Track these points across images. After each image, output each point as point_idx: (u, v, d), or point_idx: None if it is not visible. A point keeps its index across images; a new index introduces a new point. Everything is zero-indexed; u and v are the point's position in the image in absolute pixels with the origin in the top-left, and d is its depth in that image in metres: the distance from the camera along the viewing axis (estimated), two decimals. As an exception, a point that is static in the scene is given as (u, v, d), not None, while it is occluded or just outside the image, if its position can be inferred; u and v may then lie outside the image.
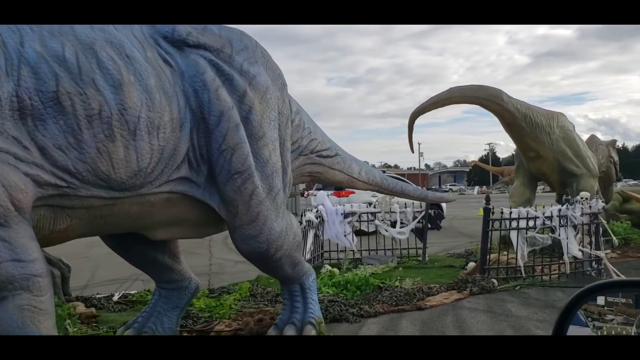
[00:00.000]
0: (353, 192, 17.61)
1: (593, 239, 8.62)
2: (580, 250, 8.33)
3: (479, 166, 52.87)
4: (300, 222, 8.58)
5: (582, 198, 8.87)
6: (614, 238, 9.06)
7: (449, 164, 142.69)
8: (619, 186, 68.25)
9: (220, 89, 4.01)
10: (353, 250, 10.17)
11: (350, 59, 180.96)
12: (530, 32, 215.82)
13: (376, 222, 10.17)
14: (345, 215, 10.18)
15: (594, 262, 8.47)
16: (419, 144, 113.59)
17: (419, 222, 10.28)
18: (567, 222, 8.16)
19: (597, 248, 8.55)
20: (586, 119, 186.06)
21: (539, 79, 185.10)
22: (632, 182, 79.64)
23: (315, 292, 5.04)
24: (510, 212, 7.91)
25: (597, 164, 13.05)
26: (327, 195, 18.42)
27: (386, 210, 10.37)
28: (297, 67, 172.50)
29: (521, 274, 7.91)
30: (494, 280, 7.67)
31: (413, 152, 11.44)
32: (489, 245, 7.90)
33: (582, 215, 8.30)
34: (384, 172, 19.38)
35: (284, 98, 4.66)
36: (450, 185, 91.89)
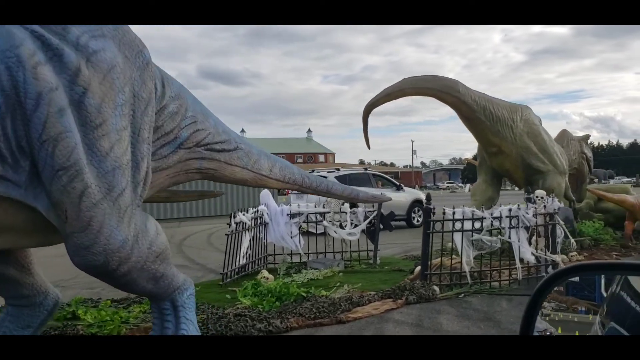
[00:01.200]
0: None
1: (550, 242, 7.93)
2: (533, 254, 7.65)
3: (471, 163, 52.40)
4: (229, 225, 7.88)
5: (537, 197, 8.18)
6: (572, 241, 8.35)
7: (445, 161, 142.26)
8: (611, 183, 68.04)
9: (40, 66, 3.28)
10: (300, 254, 9.47)
11: (346, 56, 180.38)
12: (526, 30, 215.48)
13: (324, 222, 9.46)
14: (292, 215, 9.48)
15: (550, 267, 7.77)
16: (412, 141, 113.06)
17: (370, 222, 9.58)
18: (518, 223, 7.47)
19: (553, 251, 7.86)
20: (582, 117, 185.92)
21: (534, 77, 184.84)
22: (625, 179, 79.23)
23: (192, 310, 4.31)
24: (454, 213, 7.20)
25: (568, 161, 12.38)
26: (307, 195, 18.00)
27: (336, 210, 9.66)
28: (293, 65, 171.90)
29: (467, 280, 7.22)
30: (436, 288, 6.98)
31: (369, 148, 10.74)
32: (429, 248, 7.20)
33: (535, 215, 7.61)
34: (364, 169, 18.83)
35: (145, 79, 3.90)
36: (447, 182, 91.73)
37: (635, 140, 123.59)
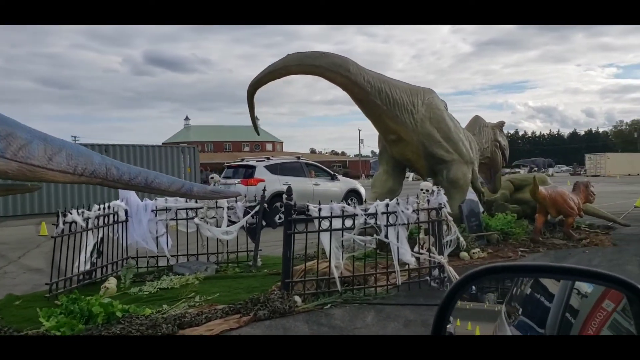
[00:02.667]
0: (262, 180, 15.69)
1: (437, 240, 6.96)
2: (414, 255, 6.67)
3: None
4: (56, 225, 6.55)
5: (422, 190, 7.20)
6: (461, 239, 7.41)
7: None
8: (550, 172, 68.87)
9: None
10: (167, 257, 8.24)
11: (296, 44, 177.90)
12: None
13: (196, 220, 8.23)
14: (158, 211, 8.23)
15: (436, 270, 6.81)
16: (359, 130, 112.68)
17: (252, 218, 8.42)
18: (396, 220, 6.45)
19: (440, 251, 6.90)
20: (526, 107, 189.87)
21: (481, 67, 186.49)
22: (564, 167, 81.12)
23: None
24: (319, 210, 6.11)
25: (479, 149, 11.52)
26: (235, 184, 16.72)
27: (210, 204, 8.43)
28: (242, 52, 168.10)
29: (337, 287, 6.17)
30: (297, 298, 5.90)
31: (258, 133, 9.55)
32: (291, 252, 6.09)
33: (416, 210, 6.62)
34: (297, 157, 17.69)
35: None
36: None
37: (575, 129, 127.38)
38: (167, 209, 8.33)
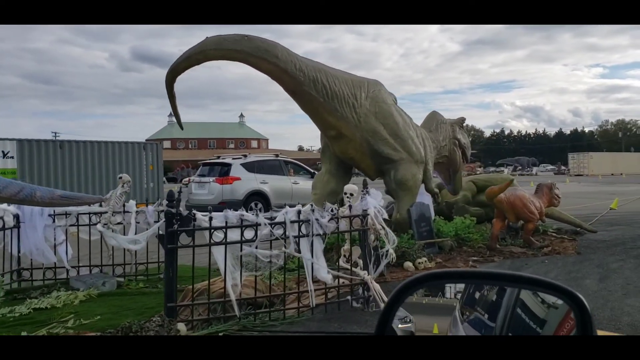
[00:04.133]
0: (238, 179, 14.71)
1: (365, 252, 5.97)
2: (332, 271, 5.68)
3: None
4: None
5: (345, 194, 6.21)
6: (391, 251, 6.41)
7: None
8: (534, 171, 68.42)
9: None
10: (67, 268, 7.21)
11: (285, 41, 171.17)
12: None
13: (99, 227, 7.16)
14: (56, 216, 7.19)
15: (361, 289, 5.83)
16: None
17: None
18: (311, 230, 5.46)
19: (365, 266, 5.91)
20: (513, 106, 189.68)
21: (469, 67, 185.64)
22: (549, 167, 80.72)
23: None
24: (210, 218, 5.09)
25: (436, 147, 10.56)
26: (210, 182, 15.78)
27: (116, 208, 7.39)
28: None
29: (235, 312, 5.16)
30: (181, 326, 4.89)
31: (182, 127, 8.52)
32: (174, 270, 5.06)
33: (335, 218, 5.63)
34: (276, 155, 16.89)
35: None
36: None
37: (561, 129, 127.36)
38: (66, 214, 7.28)
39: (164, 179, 58.06)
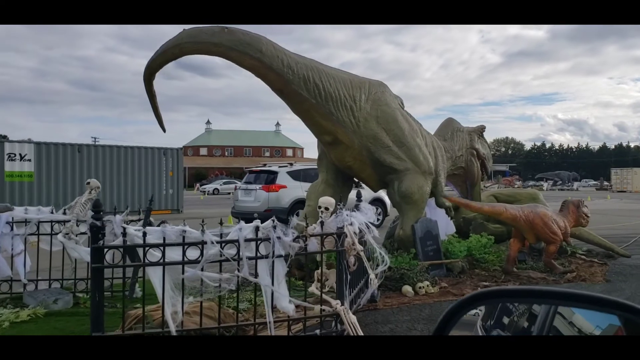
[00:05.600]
0: (284, 187, 14.40)
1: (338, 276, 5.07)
2: (296, 300, 4.80)
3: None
4: None
5: (319, 208, 5.33)
6: (372, 275, 5.48)
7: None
8: (575, 186, 66.05)
9: None
10: (23, 282, 6.55)
11: (324, 51, 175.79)
12: (502, 32, 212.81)
13: (59, 237, 6.50)
14: (14, 224, 6.55)
15: (334, 322, 4.94)
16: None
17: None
18: (272, 251, 4.60)
19: (340, 292, 5.01)
20: (555, 119, 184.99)
21: (510, 79, 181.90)
22: (592, 182, 77.71)
23: None
24: (144, 234, 4.28)
25: (451, 157, 9.58)
26: (256, 190, 15.49)
27: (81, 217, 6.71)
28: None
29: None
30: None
31: (164, 130, 7.78)
32: (100, 294, 4.27)
33: (303, 237, 4.75)
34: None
35: None
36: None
37: (605, 143, 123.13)
38: (26, 222, 6.63)
39: (198, 185, 58.09)
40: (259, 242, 4.60)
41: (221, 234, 4.49)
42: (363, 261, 5.47)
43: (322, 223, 4.92)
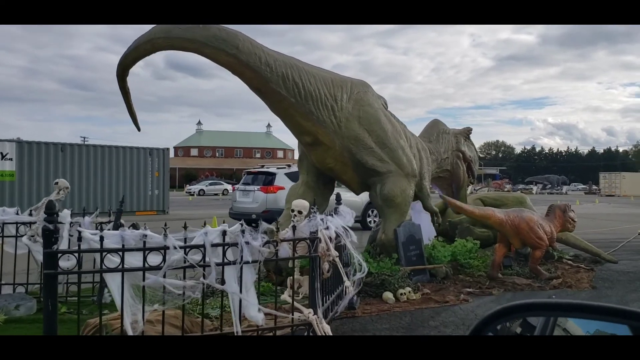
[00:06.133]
0: (282, 188, 14.22)
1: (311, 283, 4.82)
2: (266, 309, 4.55)
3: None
4: None
5: (292, 212, 5.09)
6: (347, 283, 5.24)
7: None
8: (564, 190, 66.28)
9: None
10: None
11: (317, 54, 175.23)
12: (494, 36, 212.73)
13: (24, 239, 6.22)
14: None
15: (307, 330, 4.69)
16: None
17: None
18: (241, 256, 4.34)
19: (312, 300, 4.76)
20: (545, 123, 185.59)
21: (501, 82, 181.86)
22: (580, 186, 77.99)
23: None
24: (101, 238, 4.01)
25: (436, 159, 9.37)
26: (254, 191, 15.38)
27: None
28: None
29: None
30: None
31: (139, 129, 7.50)
32: (54, 303, 3.99)
33: (273, 242, 4.50)
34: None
35: None
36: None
37: (594, 147, 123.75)
38: (-11, 223, 6.34)
39: (187, 185, 57.62)
40: (226, 247, 4.34)
41: (185, 239, 4.23)
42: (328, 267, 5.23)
43: (294, 227, 4.66)
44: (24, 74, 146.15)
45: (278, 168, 16.16)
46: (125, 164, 22.85)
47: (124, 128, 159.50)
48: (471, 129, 10.16)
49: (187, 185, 58.41)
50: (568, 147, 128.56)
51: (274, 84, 6.70)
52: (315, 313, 4.66)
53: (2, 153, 19.87)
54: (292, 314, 4.64)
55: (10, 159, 19.97)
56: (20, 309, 5.84)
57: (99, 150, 22.44)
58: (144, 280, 4.13)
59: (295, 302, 4.81)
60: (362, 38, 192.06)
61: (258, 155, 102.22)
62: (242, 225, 4.40)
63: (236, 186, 18.05)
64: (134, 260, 4.14)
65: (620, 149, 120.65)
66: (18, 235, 6.38)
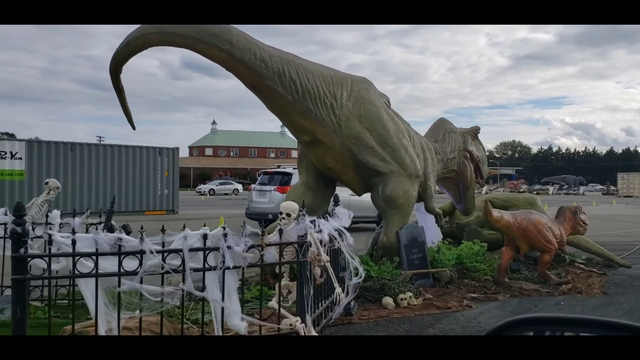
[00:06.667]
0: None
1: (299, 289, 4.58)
2: (250, 317, 4.33)
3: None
4: None
5: (280, 214, 4.85)
6: (338, 289, 4.99)
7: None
8: (581, 191, 65.28)
9: None
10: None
11: (331, 53, 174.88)
12: (510, 35, 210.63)
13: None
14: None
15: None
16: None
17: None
18: (221, 261, 4.12)
19: (301, 307, 4.52)
20: (563, 123, 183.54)
21: (518, 82, 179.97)
22: (598, 187, 76.82)
23: None
24: (73, 242, 3.81)
25: (442, 159, 9.08)
26: (271, 191, 15.33)
27: (37, 219, 6.27)
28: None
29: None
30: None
31: (134, 127, 7.31)
32: (24, 309, 3.80)
33: (258, 247, 4.27)
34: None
35: None
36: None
37: (612, 147, 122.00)
38: (-22, 224, 6.19)
39: (200, 185, 57.73)
40: (206, 252, 4.12)
41: (163, 243, 4.01)
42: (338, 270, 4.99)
43: (280, 231, 4.42)
44: (42, 75, 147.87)
45: (294, 168, 16.02)
46: (135, 163, 22.81)
47: (139, 128, 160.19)
48: (479, 128, 9.84)
49: (201, 184, 58.50)
50: (586, 147, 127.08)
51: (270, 81, 6.46)
52: (304, 321, 4.41)
53: (11, 152, 19.91)
54: (279, 322, 4.40)
55: (20, 158, 20.01)
56: (5, 312, 5.66)
57: (108, 149, 22.42)
58: (119, 286, 3.91)
59: (283, 310, 4.57)
60: (377, 37, 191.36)
61: (272, 155, 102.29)
62: (224, 228, 4.18)
63: (252, 186, 18.02)
64: (109, 265, 3.94)
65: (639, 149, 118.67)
66: (6, 236, 6.20)
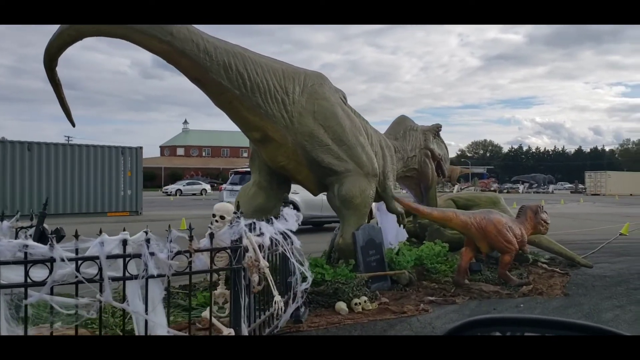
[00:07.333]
0: None
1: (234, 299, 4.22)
2: (175, 331, 3.95)
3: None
4: None
5: (214, 217, 4.48)
6: (277, 297, 4.64)
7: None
8: (550, 189, 66.24)
9: None
10: None
11: (305, 53, 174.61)
12: (481, 35, 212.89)
13: None
14: None
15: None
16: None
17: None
18: (143, 269, 3.73)
19: (235, 317, 4.15)
20: (533, 123, 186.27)
21: (489, 82, 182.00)
22: (567, 185, 78.07)
23: None
24: (-29, 250, 3.38)
25: (402, 157, 8.80)
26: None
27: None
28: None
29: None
30: None
31: (73, 124, 6.83)
32: None
33: (186, 253, 3.90)
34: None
35: None
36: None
37: (581, 147, 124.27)
38: None
39: (168, 186, 56.80)
40: (127, 259, 3.73)
41: (77, 249, 3.61)
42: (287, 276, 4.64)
43: (211, 235, 4.05)
44: (10, 73, 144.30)
45: None
46: (96, 163, 22.13)
47: (109, 127, 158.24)
48: (440, 126, 9.60)
49: (171, 184, 57.60)
50: (555, 147, 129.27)
51: (214, 74, 6.07)
52: (238, 332, 4.06)
53: (-35, 152, 19.09)
54: (210, 334, 4.04)
55: (-29, 158, 19.20)
56: None
57: (68, 149, 21.70)
58: (25, 298, 3.50)
59: (215, 320, 4.21)
60: (350, 37, 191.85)
61: (245, 154, 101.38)
62: (146, 233, 3.79)
63: (223, 186, 17.66)
64: (13, 275, 3.53)
65: (607, 148, 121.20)
66: None
